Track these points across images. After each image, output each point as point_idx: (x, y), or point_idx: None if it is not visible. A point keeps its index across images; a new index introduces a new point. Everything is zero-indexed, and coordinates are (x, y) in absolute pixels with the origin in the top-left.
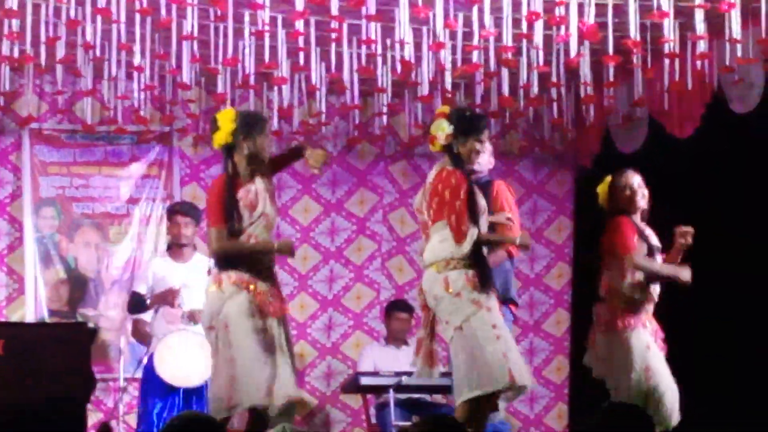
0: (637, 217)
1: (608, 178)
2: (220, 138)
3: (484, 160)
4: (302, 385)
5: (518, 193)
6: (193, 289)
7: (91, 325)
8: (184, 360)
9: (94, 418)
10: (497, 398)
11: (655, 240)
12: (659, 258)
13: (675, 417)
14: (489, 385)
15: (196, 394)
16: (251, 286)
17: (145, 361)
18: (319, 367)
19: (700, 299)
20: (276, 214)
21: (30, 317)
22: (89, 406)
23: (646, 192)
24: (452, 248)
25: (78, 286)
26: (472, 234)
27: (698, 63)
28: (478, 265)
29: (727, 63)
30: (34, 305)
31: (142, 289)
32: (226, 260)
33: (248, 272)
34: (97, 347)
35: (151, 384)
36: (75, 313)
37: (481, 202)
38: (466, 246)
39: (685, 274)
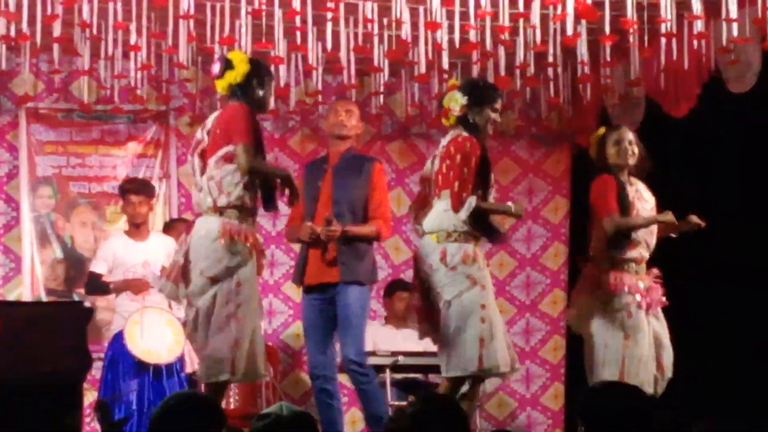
0: (624, 174)
1: (602, 130)
2: (233, 76)
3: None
4: (299, 365)
5: (514, 172)
6: (153, 267)
7: (87, 304)
8: (154, 337)
9: (90, 396)
10: (480, 380)
11: (641, 197)
12: (640, 210)
13: (647, 386)
14: (458, 369)
15: (167, 371)
16: (258, 247)
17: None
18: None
19: (695, 275)
20: None
21: (27, 296)
22: (85, 384)
23: (636, 150)
24: (455, 219)
25: (74, 266)
26: (470, 203)
27: (695, 43)
28: (479, 239)
29: (724, 43)
30: (30, 284)
31: (101, 269)
32: (236, 208)
33: (254, 227)
34: (93, 326)
35: (122, 364)
36: (71, 293)
37: (490, 176)
38: (463, 214)
39: (665, 216)
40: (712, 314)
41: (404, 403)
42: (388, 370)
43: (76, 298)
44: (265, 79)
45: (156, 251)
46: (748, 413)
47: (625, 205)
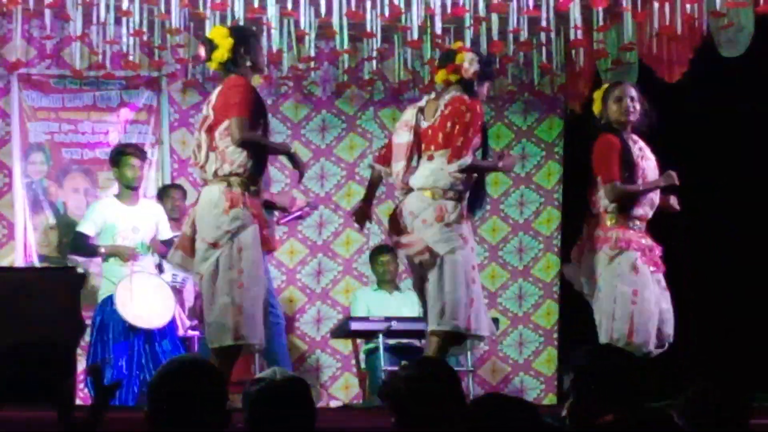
0: (627, 131)
1: (605, 86)
2: (220, 55)
3: None
4: (292, 331)
5: (507, 138)
6: (142, 232)
7: (80, 270)
8: (145, 301)
9: (83, 362)
10: (462, 338)
11: (645, 156)
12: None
13: (651, 344)
14: (449, 325)
15: (159, 335)
16: (261, 216)
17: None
18: (309, 313)
19: (691, 241)
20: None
21: (20, 262)
22: (78, 350)
23: (638, 106)
24: (451, 178)
25: (67, 232)
26: (465, 160)
27: (688, 7)
28: (470, 198)
29: (717, 7)
30: (23, 251)
31: (88, 230)
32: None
33: (257, 197)
34: (87, 292)
35: (112, 329)
36: (65, 259)
37: (489, 147)
38: (453, 167)
39: (668, 179)
40: (714, 278)
41: (397, 368)
42: (381, 336)
43: (69, 264)
44: (251, 43)
45: (145, 217)
46: (741, 378)
47: (629, 166)
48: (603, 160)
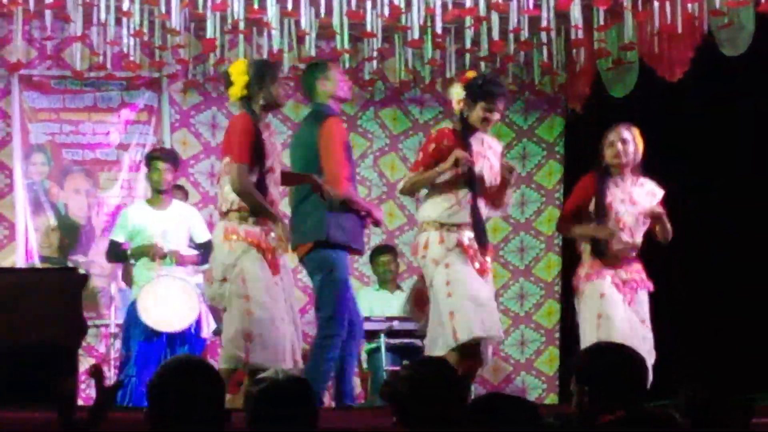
0: (621, 174)
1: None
2: (235, 92)
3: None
4: None
5: (508, 137)
6: (173, 236)
7: (81, 271)
8: (167, 305)
9: (85, 364)
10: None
11: (628, 200)
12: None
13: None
14: (438, 348)
15: (179, 339)
16: (262, 244)
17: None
18: (311, 313)
19: (692, 239)
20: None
21: (21, 264)
22: (80, 351)
23: (631, 147)
24: (423, 210)
25: (68, 233)
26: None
27: (689, 6)
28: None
29: (718, 6)
30: (25, 252)
31: (120, 237)
32: (237, 210)
33: (258, 226)
34: (88, 293)
35: (134, 330)
36: (66, 260)
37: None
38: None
39: (601, 232)
40: (711, 279)
41: (399, 368)
42: (383, 336)
43: (69, 264)
44: (266, 80)
45: (175, 221)
46: (740, 377)
47: (600, 207)
48: (570, 195)
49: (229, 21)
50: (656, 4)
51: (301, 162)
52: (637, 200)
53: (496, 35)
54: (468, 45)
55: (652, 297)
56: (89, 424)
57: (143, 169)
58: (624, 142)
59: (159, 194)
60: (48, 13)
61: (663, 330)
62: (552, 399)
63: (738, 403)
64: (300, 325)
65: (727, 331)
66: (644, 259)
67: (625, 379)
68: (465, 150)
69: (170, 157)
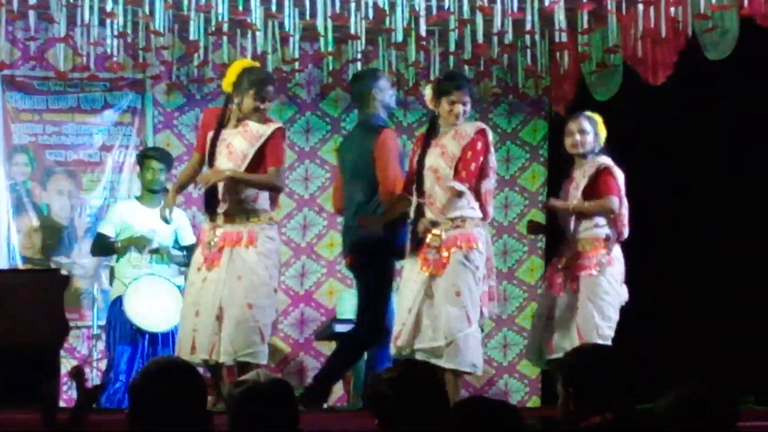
0: (580, 162)
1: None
2: (224, 85)
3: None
4: (276, 333)
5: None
6: (160, 235)
7: (64, 272)
8: (153, 305)
9: (67, 365)
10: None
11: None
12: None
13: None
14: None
15: (163, 339)
16: (203, 237)
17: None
18: (293, 315)
19: (672, 241)
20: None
21: (3, 264)
22: (62, 353)
23: (589, 138)
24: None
25: (51, 234)
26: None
27: (672, 10)
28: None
29: (702, 10)
30: (7, 253)
31: (108, 230)
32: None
33: (208, 221)
34: (70, 294)
35: (119, 330)
36: (48, 261)
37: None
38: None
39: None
40: (691, 281)
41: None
42: None
43: (52, 266)
44: (241, 87)
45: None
46: (727, 379)
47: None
48: None
49: (213, 22)
50: (640, 7)
51: (353, 169)
52: (578, 184)
53: (480, 38)
54: (452, 48)
55: (632, 298)
56: (70, 425)
57: (126, 171)
58: (582, 132)
59: (150, 193)
60: (32, 13)
61: (643, 332)
62: (535, 402)
63: (725, 404)
64: (246, 317)
65: (708, 333)
66: (625, 259)
67: (613, 380)
68: (428, 149)
69: (165, 158)
